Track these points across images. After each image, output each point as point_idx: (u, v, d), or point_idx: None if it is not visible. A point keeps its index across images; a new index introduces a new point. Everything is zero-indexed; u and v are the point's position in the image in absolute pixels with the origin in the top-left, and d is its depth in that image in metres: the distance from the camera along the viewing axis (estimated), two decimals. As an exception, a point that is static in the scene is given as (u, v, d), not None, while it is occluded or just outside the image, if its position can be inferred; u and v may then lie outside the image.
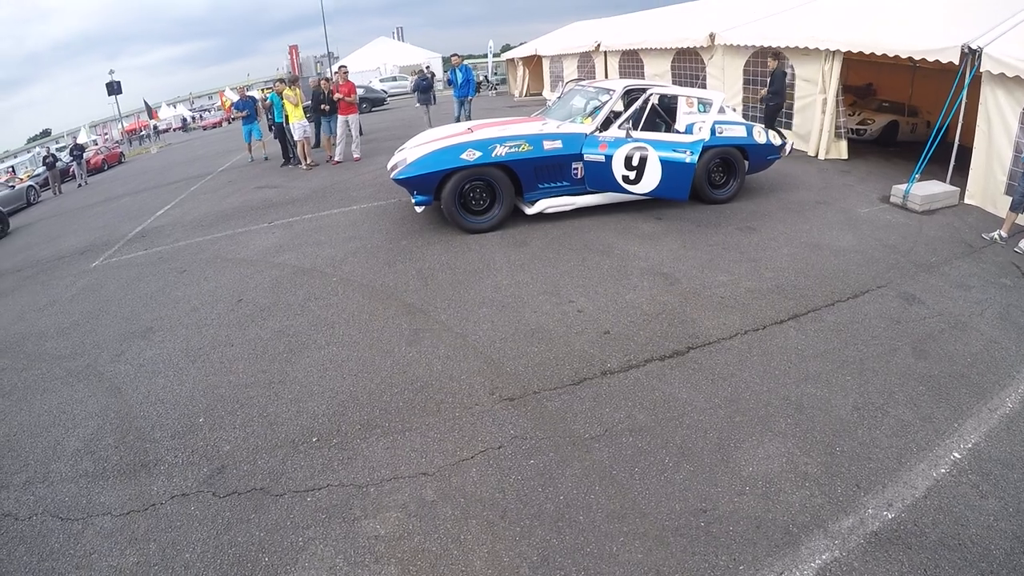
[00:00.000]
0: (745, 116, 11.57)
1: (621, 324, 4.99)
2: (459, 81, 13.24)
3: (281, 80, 12.86)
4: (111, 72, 29.83)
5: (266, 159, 13.21)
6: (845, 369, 4.49)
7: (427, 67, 21.07)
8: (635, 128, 7.21)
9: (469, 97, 13.48)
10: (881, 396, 4.18)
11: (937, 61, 7.73)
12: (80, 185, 18.97)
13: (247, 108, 13.36)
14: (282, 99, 12.19)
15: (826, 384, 4.31)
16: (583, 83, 8.34)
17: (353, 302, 5.19)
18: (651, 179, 7.03)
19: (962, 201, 7.76)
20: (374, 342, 4.64)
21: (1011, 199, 6.59)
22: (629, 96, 7.70)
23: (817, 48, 9.32)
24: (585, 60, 16.95)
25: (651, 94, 7.40)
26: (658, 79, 13.86)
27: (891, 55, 8.41)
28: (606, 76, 15.97)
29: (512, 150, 6.91)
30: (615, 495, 3.27)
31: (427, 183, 6.83)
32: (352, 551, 3.00)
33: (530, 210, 7.43)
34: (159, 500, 3.44)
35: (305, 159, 11.92)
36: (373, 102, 26.71)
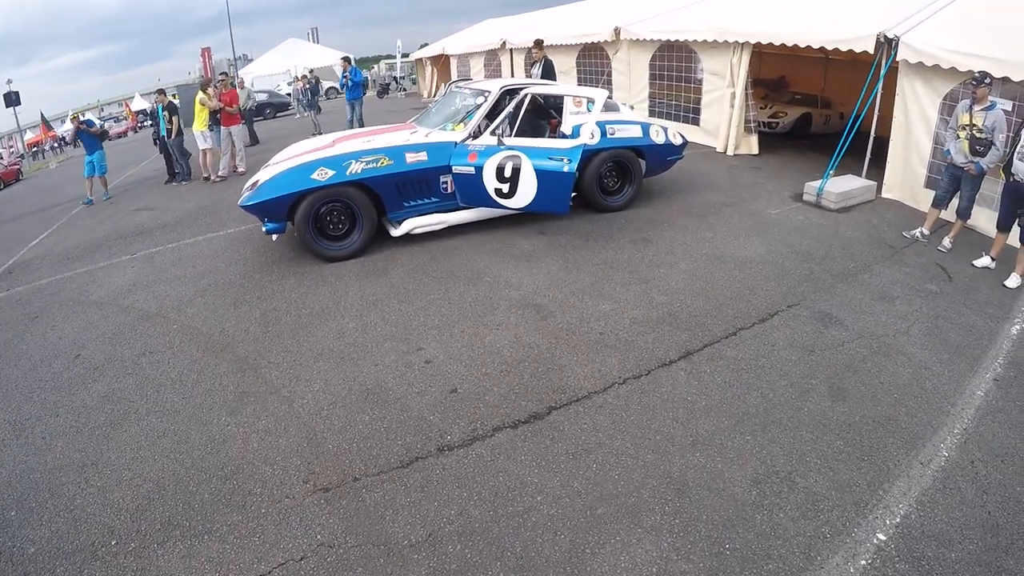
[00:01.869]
0: (652, 113, 10.81)
1: (474, 378, 4.02)
2: (349, 84, 12.82)
3: (162, 92, 11.41)
4: (9, 82, 26.94)
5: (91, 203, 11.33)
6: (745, 425, 3.51)
7: (310, 71, 19.84)
8: (511, 134, 6.25)
9: (359, 99, 13.04)
10: (788, 461, 3.24)
11: (851, 52, 7.07)
12: None
13: (82, 137, 11.30)
14: (166, 111, 10.91)
15: (719, 451, 3.35)
16: (461, 84, 7.27)
17: (186, 357, 4.47)
18: (526, 191, 6.00)
19: (879, 196, 7.07)
20: (195, 410, 3.84)
21: (933, 194, 5.83)
22: (509, 97, 6.68)
23: (725, 40, 8.58)
24: (491, 58, 16.15)
25: (526, 94, 6.42)
26: (563, 76, 13.02)
27: (803, 46, 7.74)
28: (511, 75, 15.11)
29: (369, 166, 5.87)
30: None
31: (277, 209, 5.75)
32: None
33: (396, 231, 6.35)
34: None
35: (206, 171, 10.66)
36: (278, 107, 25.06)
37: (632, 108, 8.06)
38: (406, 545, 2.71)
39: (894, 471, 3.13)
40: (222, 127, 10.83)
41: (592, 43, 11.54)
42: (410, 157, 6.05)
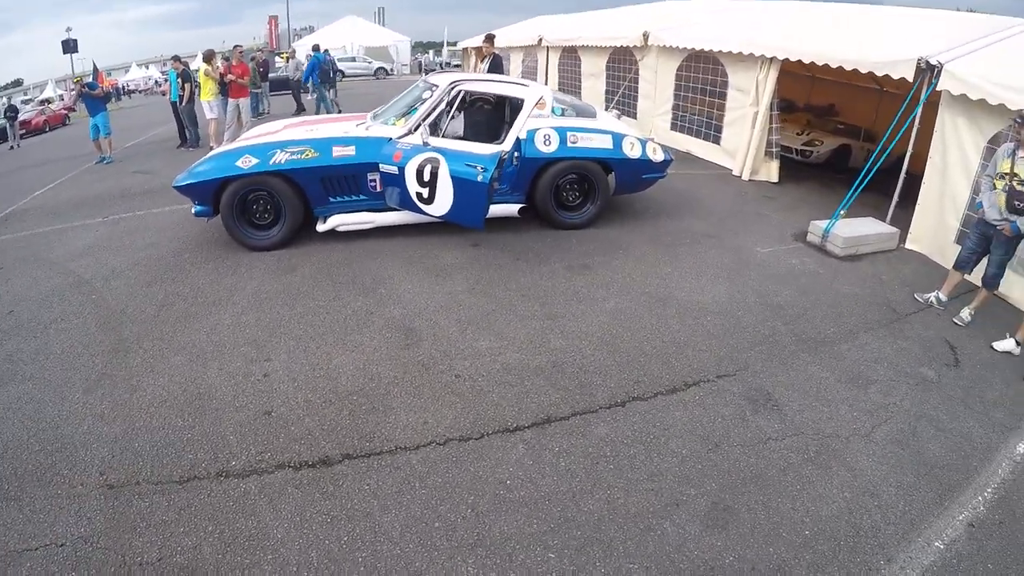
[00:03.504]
0: (674, 127, 9.54)
1: (295, 402, 3.38)
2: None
3: (176, 58, 11.13)
4: (68, 30, 27.98)
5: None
6: (558, 537, 2.49)
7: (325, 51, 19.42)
8: (441, 134, 5.43)
9: (318, 84, 13.58)
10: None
11: (888, 77, 5.74)
12: (12, 148, 17.39)
13: (85, 100, 11.06)
14: (179, 78, 10.64)
15: (503, 563, 2.39)
16: (430, 77, 6.31)
17: (84, 330, 4.31)
18: (444, 198, 5.05)
19: (902, 245, 5.56)
20: (61, 384, 3.66)
21: (958, 253, 4.42)
22: (461, 96, 5.73)
23: (751, 54, 7.30)
24: (529, 54, 15.15)
25: (459, 90, 5.51)
26: (593, 79, 12.00)
27: (834, 66, 6.43)
28: (547, 72, 14.09)
29: (293, 157, 5.25)
30: None
31: (202, 192, 5.31)
32: None
33: (321, 227, 5.63)
34: None
35: (213, 141, 10.28)
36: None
37: (619, 116, 6.85)
38: (135, 562, 2.43)
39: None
40: (229, 99, 10.35)
41: (622, 47, 10.37)
42: (337, 151, 5.37)
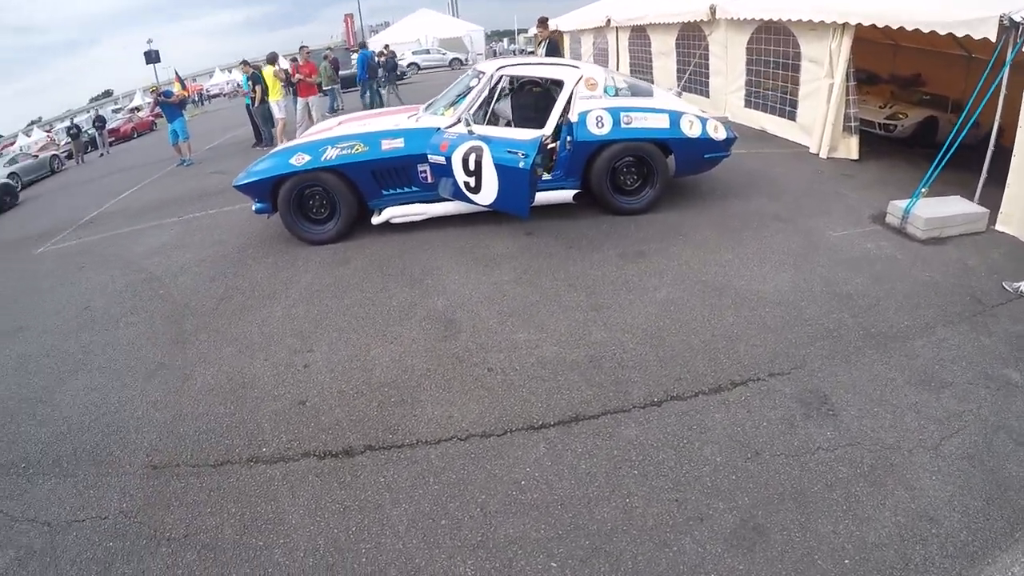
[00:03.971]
0: (747, 104, 8.89)
1: (330, 393, 3.41)
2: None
3: (245, 62, 11.62)
4: (149, 41, 29.54)
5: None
6: (565, 546, 2.33)
7: (386, 47, 19.32)
8: (484, 120, 5.25)
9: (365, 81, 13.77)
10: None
11: (970, 39, 5.02)
12: (102, 155, 18.82)
13: (162, 107, 11.52)
14: (250, 81, 11.05)
15: (502, 566, 2.25)
16: (479, 64, 6.18)
17: (151, 323, 4.55)
18: (490, 187, 4.91)
19: (991, 227, 4.89)
20: (126, 373, 3.89)
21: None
22: (506, 81, 5.61)
23: (822, 21, 6.61)
24: (600, 35, 14.55)
25: (502, 76, 5.39)
26: (663, 57, 11.32)
27: (909, 28, 5.65)
28: (617, 53, 13.51)
29: (344, 152, 5.28)
30: None
31: (260, 190, 5.49)
32: None
33: (376, 219, 5.66)
34: None
35: (280, 140, 10.68)
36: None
37: (679, 94, 6.40)
38: (164, 537, 2.54)
39: None
40: (299, 97, 10.61)
41: (690, 23, 9.72)
42: (386, 144, 5.33)
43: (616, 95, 5.42)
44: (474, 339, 3.78)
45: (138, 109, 26.87)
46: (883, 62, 9.09)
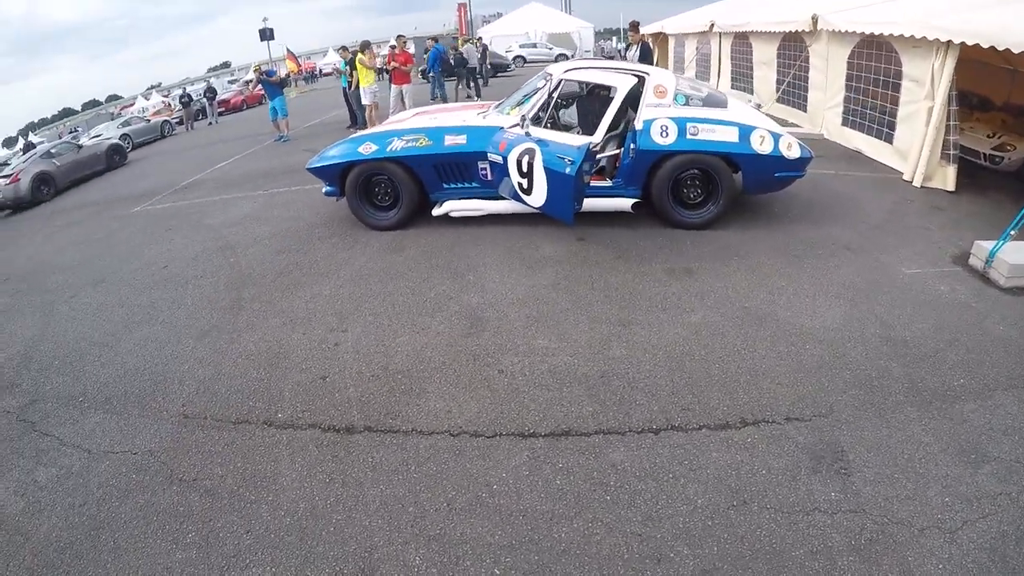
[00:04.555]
0: (845, 121, 8.13)
1: (350, 372, 3.55)
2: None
3: (344, 47, 12.03)
4: (264, 20, 30.65)
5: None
6: (511, 556, 2.15)
7: (471, 40, 19.08)
8: (544, 123, 5.09)
9: (432, 74, 13.85)
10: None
11: None
12: (210, 123, 20.06)
13: (264, 86, 12.04)
14: (348, 65, 11.43)
15: (444, 554, 2.25)
16: (550, 66, 6.03)
17: (215, 287, 4.87)
18: (540, 190, 4.81)
19: (1095, 284, 4.21)
20: (183, 330, 4.23)
21: None
22: (578, 86, 5.52)
23: (924, 37, 5.91)
24: (703, 40, 13.79)
25: (560, 80, 5.19)
26: (764, 67, 10.52)
27: (1016, 51, 4.91)
28: (719, 59, 12.79)
29: (409, 144, 5.39)
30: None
31: (330, 174, 5.72)
32: None
33: (436, 211, 5.74)
34: None
35: (371, 124, 11.08)
36: (497, 67, 24.58)
37: (760, 107, 5.94)
38: (177, 478, 2.78)
39: None
40: (393, 85, 10.84)
41: (791, 32, 9.00)
42: (449, 140, 5.38)
43: (687, 104, 5.13)
44: (495, 339, 3.73)
45: (250, 82, 28.77)
46: (1000, 87, 8.03)
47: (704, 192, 5.24)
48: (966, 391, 3.21)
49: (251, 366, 3.66)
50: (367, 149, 5.43)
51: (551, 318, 3.94)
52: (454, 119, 5.73)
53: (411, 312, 4.16)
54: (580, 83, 5.74)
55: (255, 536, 2.43)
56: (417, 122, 5.84)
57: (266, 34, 30.83)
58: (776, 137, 5.03)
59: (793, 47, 9.32)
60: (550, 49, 30.51)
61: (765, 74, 10.53)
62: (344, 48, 11.98)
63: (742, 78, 11.68)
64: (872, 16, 6.95)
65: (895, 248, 4.93)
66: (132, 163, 14.08)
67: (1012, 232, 4.26)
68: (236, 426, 3.12)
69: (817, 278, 4.41)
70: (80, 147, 13.29)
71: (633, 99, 5.26)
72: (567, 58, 30.20)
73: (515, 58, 28.08)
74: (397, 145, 5.37)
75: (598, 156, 5.38)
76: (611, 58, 26.97)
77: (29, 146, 18.47)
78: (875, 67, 7.14)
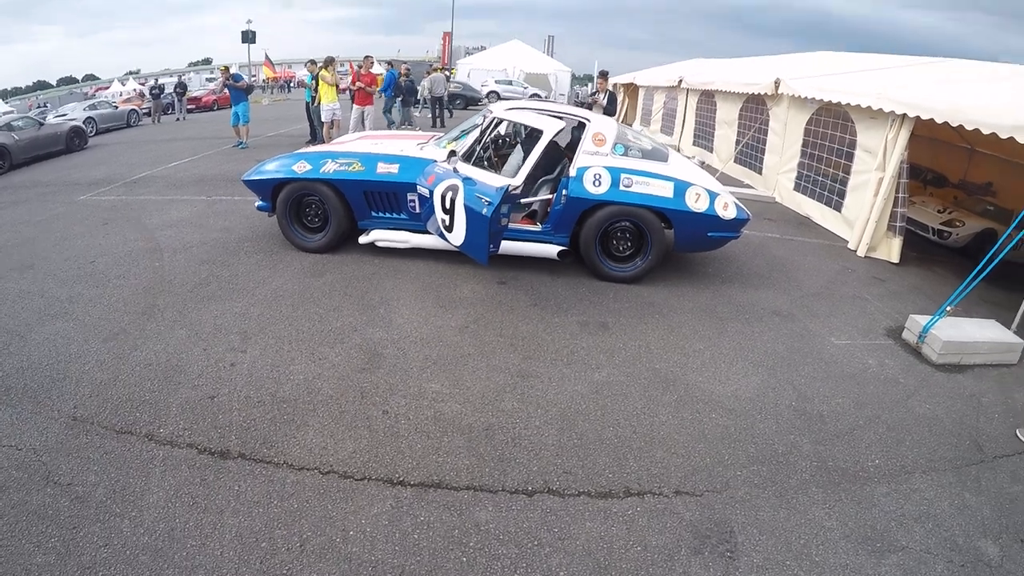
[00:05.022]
0: (796, 187, 8.19)
1: (239, 395, 3.31)
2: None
3: (312, 61, 11.88)
4: (248, 21, 29.69)
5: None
6: None
7: (441, 69, 19.25)
8: (474, 161, 4.87)
9: (387, 96, 13.84)
10: None
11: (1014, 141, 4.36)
12: (178, 119, 19.66)
13: (229, 90, 11.82)
14: (314, 80, 11.20)
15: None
16: (492, 105, 5.88)
17: (133, 289, 4.67)
18: (459, 228, 4.60)
19: (1026, 363, 4.07)
20: (92, 329, 4.01)
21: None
22: (499, 124, 5.45)
23: (881, 109, 5.99)
24: (671, 96, 14.21)
25: (495, 118, 5.13)
26: (726, 127, 10.77)
27: (969, 128, 4.98)
28: (684, 115, 13.12)
29: (341, 168, 5.22)
30: None
31: (264, 189, 5.50)
32: None
33: (363, 239, 5.48)
34: None
35: (327, 142, 10.89)
36: (468, 99, 25.10)
37: (701, 164, 5.88)
38: (53, 480, 2.64)
39: None
40: (355, 105, 10.71)
41: (755, 94, 9.20)
42: (381, 167, 5.21)
43: (625, 155, 5.01)
44: (388, 378, 3.45)
45: (185, 87, 28.31)
46: (956, 165, 8.20)
47: (634, 246, 5.09)
48: (880, 473, 2.98)
49: (147, 376, 3.44)
50: (301, 168, 5.26)
51: (450, 362, 3.66)
52: (393, 147, 5.56)
53: (313, 340, 3.87)
54: (516, 124, 5.64)
55: (112, 550, 2.27)
56: (356, 146, 5.69)
57: (248, 36, 30.11)
58: (712, 196, 4.91)
59: (755, 109, 9.52)
60: (524, 88, 30.45)
61: (726, 133, 10.72)
62: (312, 62, 11.83)
63: (704, 135, 11.93)
64: (833, 84, 7.15)
65: (827, 317, 4.78)
66: (92, 148, 13.53)
67: (949, 308, 4.13)
68: (119, 435, 2.94)
69: (739, 343, 4.20)
70: (42, 124, 12.84)
71: (574, 146, 5.13)
72: (540, 99, 30.61)
73: (489, 93, 28.24)
74: (330, 167, 5.20)
75: (529, 200, 5.23)
76: (584, 103, 27.45)
77: None
78: (831, 135, 7.24)
